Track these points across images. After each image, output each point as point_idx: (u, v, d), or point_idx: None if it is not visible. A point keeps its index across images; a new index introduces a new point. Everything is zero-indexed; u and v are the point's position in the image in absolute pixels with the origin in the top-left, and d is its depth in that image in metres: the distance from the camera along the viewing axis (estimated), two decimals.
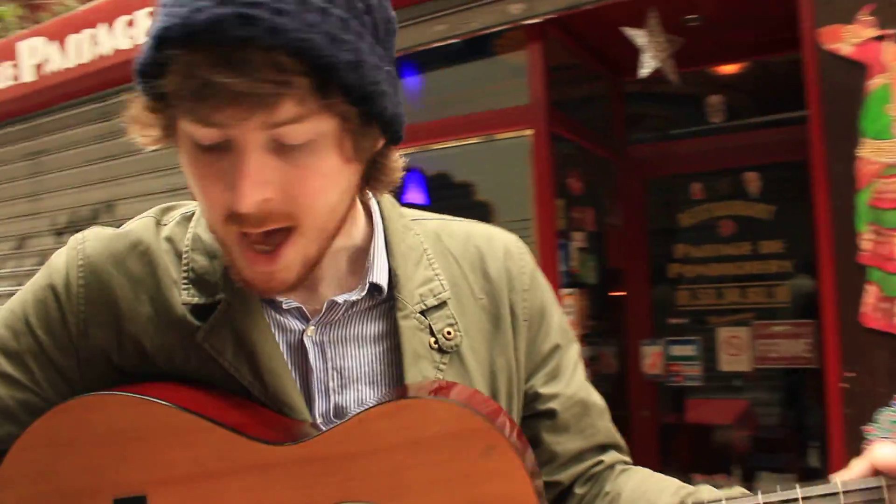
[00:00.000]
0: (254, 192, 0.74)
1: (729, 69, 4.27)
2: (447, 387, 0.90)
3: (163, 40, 0.70)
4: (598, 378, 4.05)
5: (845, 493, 0.78)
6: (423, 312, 0.93)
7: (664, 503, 0.93)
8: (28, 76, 4.86)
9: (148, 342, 0.89)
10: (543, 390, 1.01)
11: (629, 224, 4.43)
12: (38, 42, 4.81)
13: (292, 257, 0.80)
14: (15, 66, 4.94)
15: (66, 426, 0.85)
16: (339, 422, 0.83)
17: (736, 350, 4.10)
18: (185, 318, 0.89)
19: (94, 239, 0.94)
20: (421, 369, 0.91)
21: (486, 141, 3.71)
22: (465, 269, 0.99)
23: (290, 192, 0.76)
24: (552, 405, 1.00)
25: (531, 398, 1.01)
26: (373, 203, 0.98)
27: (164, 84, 0.73)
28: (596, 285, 4.16)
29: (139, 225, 0.95)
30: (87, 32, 4.58)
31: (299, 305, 0.91)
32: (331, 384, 0.92)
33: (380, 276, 0.93)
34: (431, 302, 0.94)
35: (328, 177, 0.78)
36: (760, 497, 0.80)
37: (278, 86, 0.69)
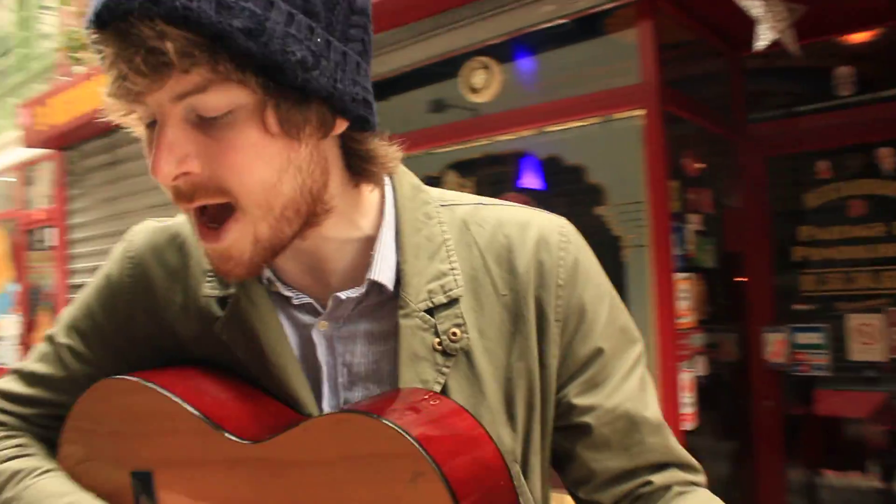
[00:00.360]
0: (168, 164, 0.75)
1: (859, 38, 3.98)
2: (433, 399, 0.84)
3: (87, 23, 0.73)
4: (717, 366, 3.91)
5: None
6: (429, 311, 0.87)
7: None
8: None
9: (180, 329, 0.95)
10: (578, 401, 0.91)
11: (750, 206, 4.23)
12: None
13: (238, 236, 0.79)
14: None
15: (98, 403, 0.96)
16: (295, 425, 0.82)
17: (868, 339, 3.85)
18: (208, 309, 0.92)
19: (142, 232, 1.02)
20: (419, 372, 0.86)
21: (599, 122, 3.63)
22: (490, 262, 0.91)
23: (212, 165, 0.76)
24: (587, 419, 0.90)
25: (565, 408, 0.91)
26: (388, 190, 0.93)
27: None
28: (714, 269, 3.99)
29: (182, 218, 0.99)
30: None
31: (310, 301, 0.91)
32: (339, 379, 0.91)
33: (383, 272, 0.88)
34: (440, 300, 0.87)
35: (250, 151, 0.76)
36: None
37: (159, 55, 0.69)
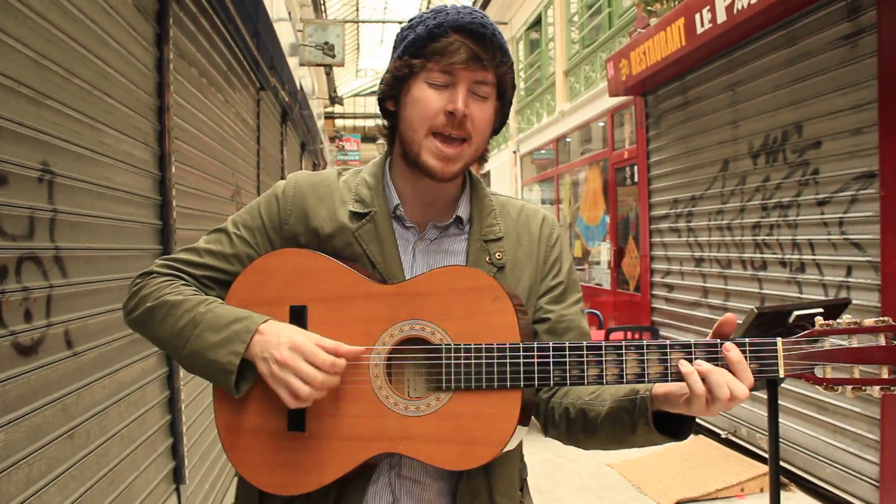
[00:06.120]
0: (464, 104, 1.36)
1: None
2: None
3: (442, 27, 1.35)
4: None
5: (696, 345, 1.25)
6: (485, 241, 1.49)
7: (612, 392, 1.42)
8: (721, 17, 5.31)
9: (322, 230, 1.47)
10: (546, 306, 1.53)
11: None
12: None
13: (464, 153, 1.41)
14: (710, 10, 5.31)
15: (272, 263, 1.44)
16: (418, 274, 1.38)
17: None
18: (346, 220, 1.46)
19: (302, 174, 1.56)
20: None
21: None
22: (517, 225, 1.55)
23: (472, 117, 1.38)
24: (549, 316, 1.53)
25: (538, 308, 1.53)
26: (470, 173, 1.57)
27: (438, 48, 1.35)
28: None
29: (328, 172, 1.57)
30: None
31: (414, 225, 1.49)
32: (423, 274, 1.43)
33: (463, 213, 1.52)
34: (491, 237, 1.50)
35: (488, 123, 1.44)
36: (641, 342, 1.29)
37: (492, 61, 1.37)
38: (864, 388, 1.20)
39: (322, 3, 15.29)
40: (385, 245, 1.45)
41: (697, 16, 5.69)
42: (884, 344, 1.17)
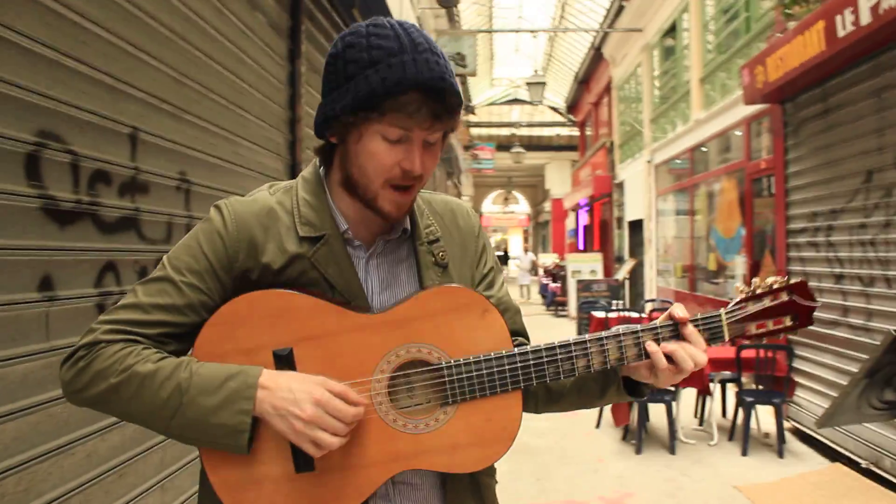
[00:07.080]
0: (420, 164, 1.37)
1: None
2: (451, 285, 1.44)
3: (401, 85, 1.29)
4: None
5: (661, 327, 1.46)
6: (428, 243, 1.53)
7: None
8: (866, 18, 5.03)
9: (275, 264, 1.40)
10: (485, 293, 1.57)
11: None
12: None
13: (415, 192, 1.44)
14: (853, 11, 5.10)
15: (242, 309, 1.36)
16: (403, 299, 1.42)
17: None
18: (297, 246, 1.41)
19: (238, 203, 1.46)
20: (430, 275, 1.49)
21: None
22: (447, 222, 1.59)
23: (424, 165, 1.38)
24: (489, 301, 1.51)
25: None
26: None
27: (396, 105, 1.30)
28: None
29: (260, 195, 1.49)
30: None
31: (361, 243, 1.48)
32: (379, 286, 1.49)
33: (407, 223, 1.52)
34: (432, 238, 1.54)
35: (436, 162, 1.43)
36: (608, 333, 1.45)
37: (454, 114, 1.35)
38: (777, 335, 1.52)
39: (457, 14, 15.56)
40: (342, 266, 1.44)
41: (839, 17, 5.32)
42: (786, 300, 1.51)
